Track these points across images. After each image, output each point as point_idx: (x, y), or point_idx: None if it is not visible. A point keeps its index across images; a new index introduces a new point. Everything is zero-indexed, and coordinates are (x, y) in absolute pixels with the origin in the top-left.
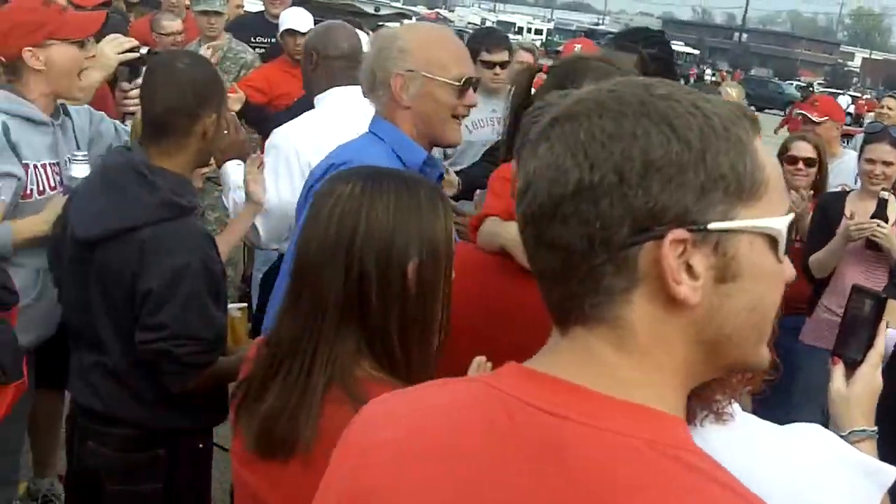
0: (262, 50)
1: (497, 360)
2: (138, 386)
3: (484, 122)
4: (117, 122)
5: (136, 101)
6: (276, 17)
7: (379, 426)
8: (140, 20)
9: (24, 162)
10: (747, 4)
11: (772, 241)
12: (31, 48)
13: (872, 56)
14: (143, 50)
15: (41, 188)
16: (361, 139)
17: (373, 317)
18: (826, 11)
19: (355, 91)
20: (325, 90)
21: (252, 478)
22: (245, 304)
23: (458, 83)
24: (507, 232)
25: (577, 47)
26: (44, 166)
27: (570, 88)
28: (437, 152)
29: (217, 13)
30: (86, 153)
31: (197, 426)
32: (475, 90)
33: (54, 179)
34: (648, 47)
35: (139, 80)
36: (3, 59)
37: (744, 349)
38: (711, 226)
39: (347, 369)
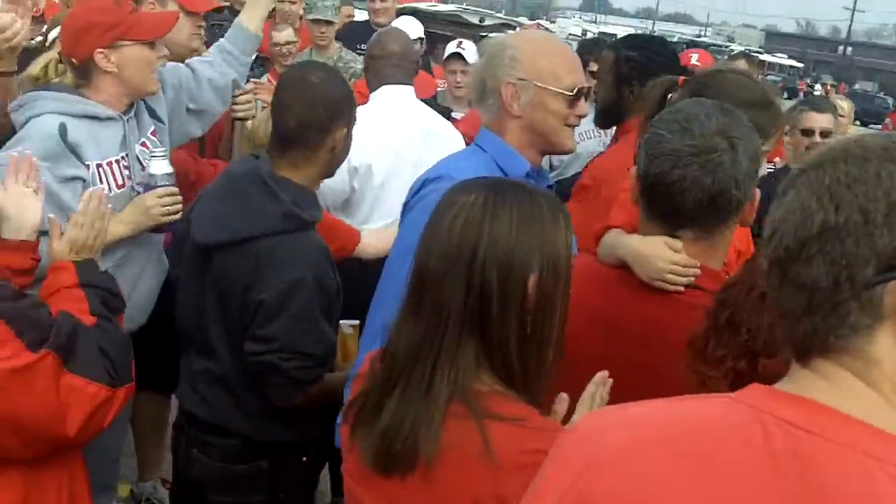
0: None
1: (612, 375)
2: (245, 396)
3: (591, 134)
4: (189, 62)
5: (246, 105)
6: (381, 25)
7: (607, 434)
8: None
9: (86, 162)
10: (852, 17)
11: None
12: (102, 49)
13: None
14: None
15: (108, 186)
16: (463, 151)
17: (493, 329)
18: None
19: (404, 90)
20: (376, 88)
21: (368, 495)
22: (357, 322)
23: (570, 93)
24: (628, 244)
25: (694, 57)
26: (109, 164)
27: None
28: (544, 162)
29: (328, 22)
30: (165, 149)
31: (301, 440)
32: (586, 99)
33: (122, 175)
34: (630, 50)
35: (248, 86)
36: (74, 60)
37: None
38: None
39: (468, 382)
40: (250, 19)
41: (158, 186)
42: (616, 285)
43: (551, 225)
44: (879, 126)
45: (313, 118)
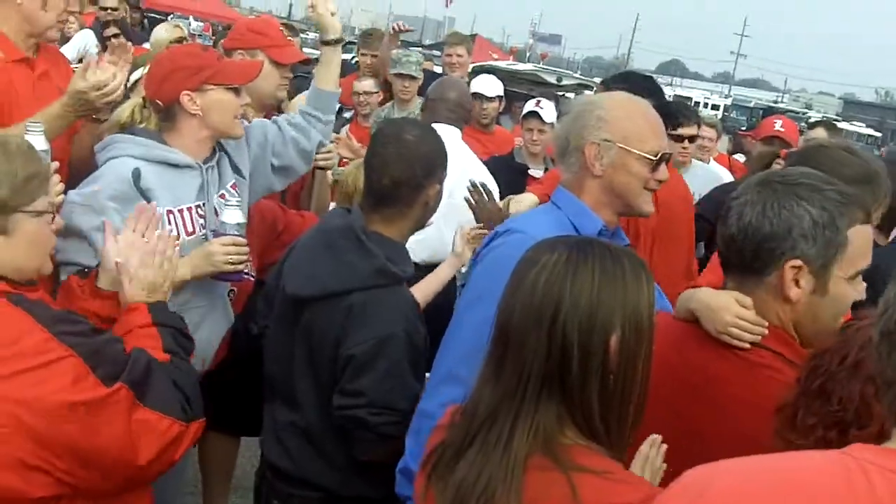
0: None
1: (676, 427)
2: (330, 449)
3: None
4: (276, 119)
5: (327, 154)
6: None
7: (714, 479)
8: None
9: (157, 208)
10: None
11: None
12: (188, 92)
13: None
14: None
15: (178, 232)
16: (538, 208)
17: (574, 387)
18: None
19: (452, 130)
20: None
21: None
22: None
23: (653, 157)
24: (700, 298)
25: (778, 124)
26: (180, 211)
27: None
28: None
29: (412, 77)
30: (240, 199)
31: (385, 495)
32: (667, 164)
33: (196, 223)
34: (617, 83)
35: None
36: (160, 102)
37: None
38: None
39: (551, 437)
40: (324, 80)
41: (228, 235)
42: (686, 339)
43: (633, 284)
44: None
45: (409, 176)
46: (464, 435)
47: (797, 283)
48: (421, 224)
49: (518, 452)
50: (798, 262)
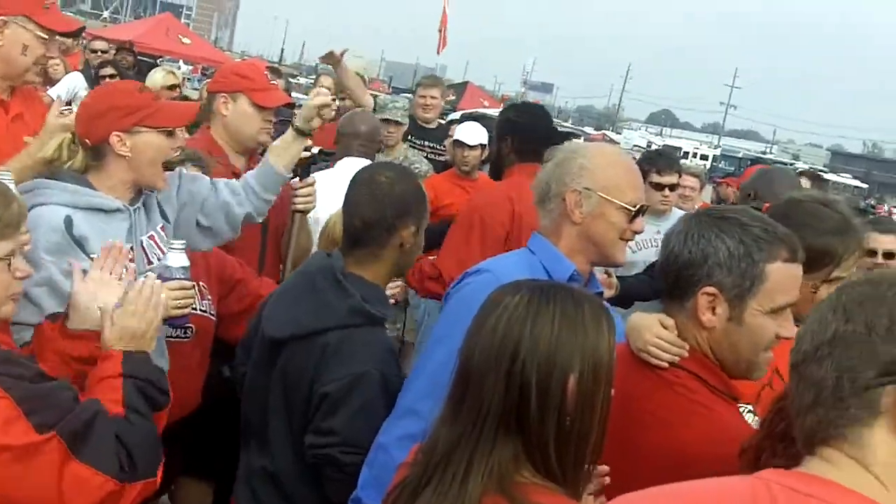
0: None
1: (609, 446)
2: (299, 495)
3: (648, 243)
4: (214, 180)
5: (306, 198)
6: (427, 121)
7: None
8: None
9: (91, 255)
10: None
11: None
12: (119, 133)
13: None
14: (315, 150)
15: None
16: (513, 252)
17: (531, 427)
18: None
19: (363, 162)
20: (340, 159)
21: None
22: None
23: (632, 208)
24: (630, 317)
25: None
26: None
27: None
28: (598, 271)
29: (397, 123)
30: (183, 242)
31: None
32: (643, 215)
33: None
34: (511, 112)
35: (309, 179)
36: (88, 141)
37: None
38: None
39: (507, 476)
40: (279, 159)
41: (174, 279)
42: (620, 359)
43: (593, 329)
44: None
45: (380, 217)
46: (421, 474)
47: (713, 310)
48: (399, 267)
49: (473, 492)
50: (713, 290)
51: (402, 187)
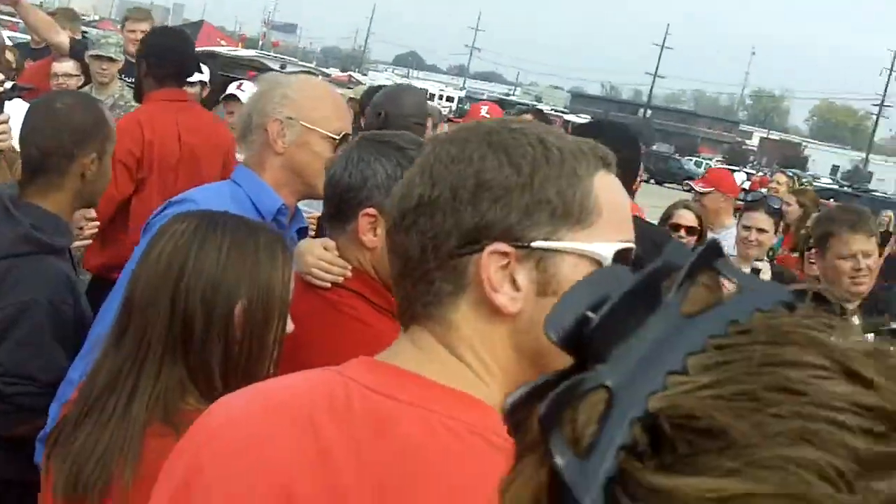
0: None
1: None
2: None
3: None
4: None
5: (2, 135)
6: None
7: (209, 417)
8: (36, 64)
9: None
10: (653, 82)
11: (597, 265)
12: None
13: (770, 136)
14: (8, 84)
15: None
16: (217, 183)
17: (196, 353)
18: (729, 92)
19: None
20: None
21: None
22: None
23: (336, 136)
24: (300, 244)
25: (484, 109)
26: None
27: None
28: (302, 204)
29: (111, 59)
30: None
31: (28, 479)
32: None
33: None
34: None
35: (2, 116)
36: None
37: (562, 363)
38: (534, 244)
39: (171, 404)
40: None
41: None
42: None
43: (267, 259)
44: (676, 186)
45: (57, 145)
46: (82, 406)
47: (374, 230)
48: (85, 198)
49: (136, 420)
50: (373, 212)
51: (82, 115)
